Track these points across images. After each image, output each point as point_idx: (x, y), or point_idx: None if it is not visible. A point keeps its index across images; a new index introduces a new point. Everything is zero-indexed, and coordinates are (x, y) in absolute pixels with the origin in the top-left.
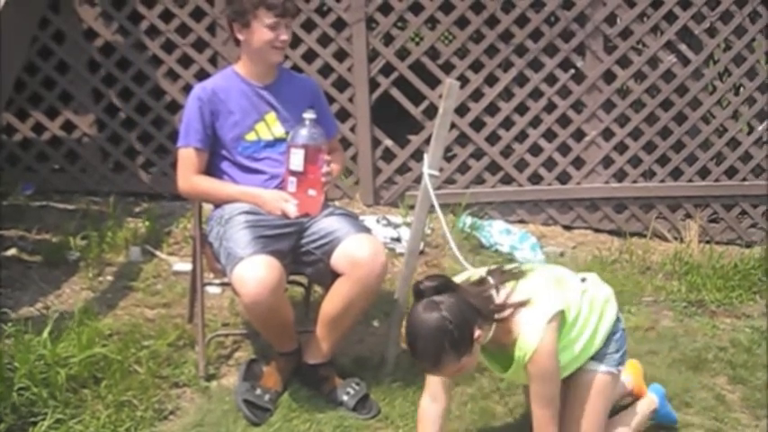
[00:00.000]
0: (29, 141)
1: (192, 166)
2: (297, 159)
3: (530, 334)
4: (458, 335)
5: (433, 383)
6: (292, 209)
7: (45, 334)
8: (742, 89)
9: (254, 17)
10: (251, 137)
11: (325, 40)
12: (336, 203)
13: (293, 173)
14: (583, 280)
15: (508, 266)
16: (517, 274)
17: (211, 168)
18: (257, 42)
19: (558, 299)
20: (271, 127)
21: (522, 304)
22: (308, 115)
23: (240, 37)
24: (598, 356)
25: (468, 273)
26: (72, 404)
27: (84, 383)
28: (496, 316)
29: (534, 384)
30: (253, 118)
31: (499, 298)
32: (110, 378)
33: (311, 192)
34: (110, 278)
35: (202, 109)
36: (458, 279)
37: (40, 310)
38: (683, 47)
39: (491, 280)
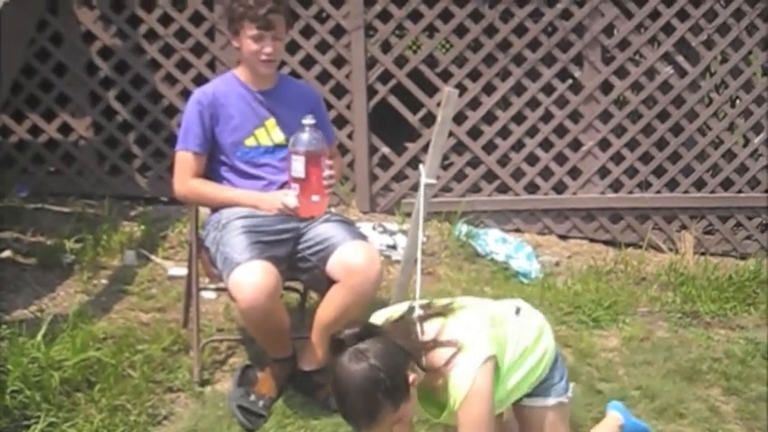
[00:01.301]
0: (25, 143)
1: (189, 170)
2: (298, 166)
3: (461, 378)
4: (391, 383)
5: None
6: (292, 200)
7: (39, 337)
8: (738, 101)
9: (241, 27)
10: (250, 142)
11: (323, 47)
12: (333, 210)
13: (295, 179)
14: (517, 312)
15: (436, 302)
16: (444, 311)
17: (210, 174)
18: (245, 52)
19: (491, 341)
20: (270, 133)
21: (452, 345)
22: (308, 121)
23: (235, 44)
24: (544, 390)
25: (389, 310)
26: (65, 408)
27: (78, 387)
28: (424, 358)
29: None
30: (253, 123)
31: (427, 335)
32: (103, 382)
33: (314, 198)
34: (104, 282)
35: (202, 113)
36: (377, 318)
37: (34, 312)
38: (680, 58)
39: (412, 316)
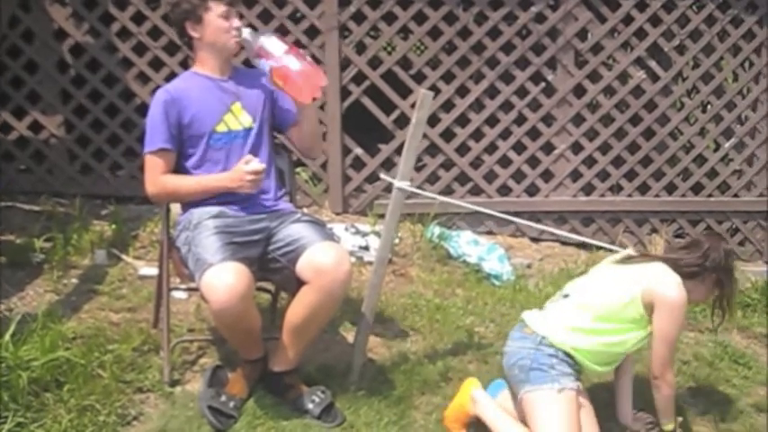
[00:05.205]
0: None
1: (159, 169)
2: (276, 45)
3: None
4: None
5: None
6: (255, 164)
7: (7, 336)
8: (709, 107)
9: (206, 10)
10: (221, 128)
11: (297, 47)
12: (305, 210)
13: (285, 53)
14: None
15: None
16: None
17: (182, 172)
18: (213, 34)
19: None
20: (238, 116)
21: None
22: (246, 30)
23: (195, 35)
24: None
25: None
26: (33, 408)
27: (47, 387)
28: None
29: None
30: (220, 109)
31: None
32: (72, 382)
33: (308, 57)
34: (74, 281)
35: (167, 110)
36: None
37: (2, 311)
38: (652, 63)
39: None
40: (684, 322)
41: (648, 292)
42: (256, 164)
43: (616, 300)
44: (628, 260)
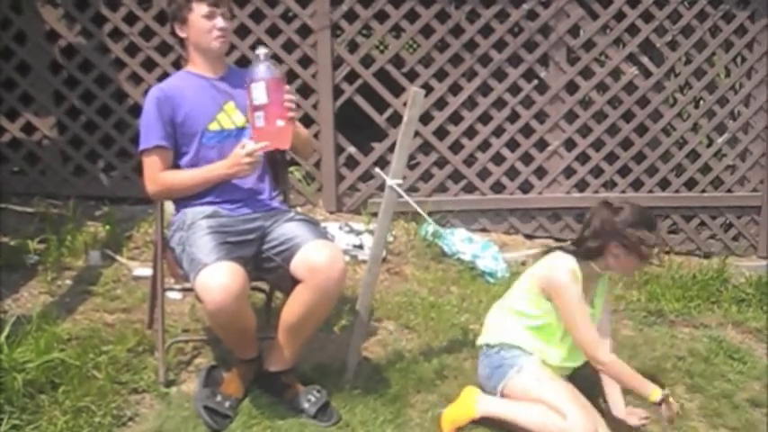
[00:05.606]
0: None
1: (157, 166)
2: (259, 92)
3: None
4: None
5: None
6: (250, 145)
7: (2, 338)
8: (702, 102)
9: (190, 11)
10: (213, 126)
11: (290, 47)
12: (299, 209)
13: (258, 107)
14: None
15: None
16: None
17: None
18: (197, 34)
19: None
20: (231, 116)
21: None
22: (262, 50)
23: (182, 35)
24: None
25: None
26: (29, 410)
27: (42, 389)
28: None
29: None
30: (213, 109)
31: None
32: (68, 384)
33: (279, 122)
34: (69, 282)
35: (161, 107)
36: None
37: None
38: (644, 59)
39: None
40: (578, 300)
41: (539, 282)
42: (252, 145)
43: (524, 297)
44: (544, 255)
